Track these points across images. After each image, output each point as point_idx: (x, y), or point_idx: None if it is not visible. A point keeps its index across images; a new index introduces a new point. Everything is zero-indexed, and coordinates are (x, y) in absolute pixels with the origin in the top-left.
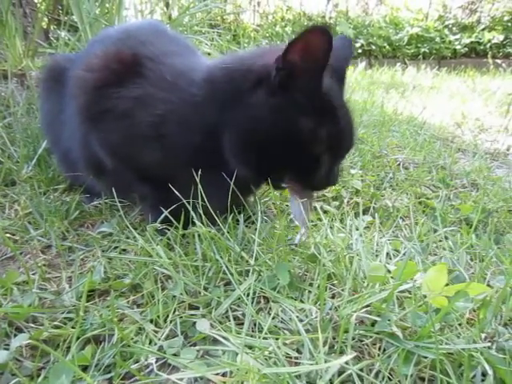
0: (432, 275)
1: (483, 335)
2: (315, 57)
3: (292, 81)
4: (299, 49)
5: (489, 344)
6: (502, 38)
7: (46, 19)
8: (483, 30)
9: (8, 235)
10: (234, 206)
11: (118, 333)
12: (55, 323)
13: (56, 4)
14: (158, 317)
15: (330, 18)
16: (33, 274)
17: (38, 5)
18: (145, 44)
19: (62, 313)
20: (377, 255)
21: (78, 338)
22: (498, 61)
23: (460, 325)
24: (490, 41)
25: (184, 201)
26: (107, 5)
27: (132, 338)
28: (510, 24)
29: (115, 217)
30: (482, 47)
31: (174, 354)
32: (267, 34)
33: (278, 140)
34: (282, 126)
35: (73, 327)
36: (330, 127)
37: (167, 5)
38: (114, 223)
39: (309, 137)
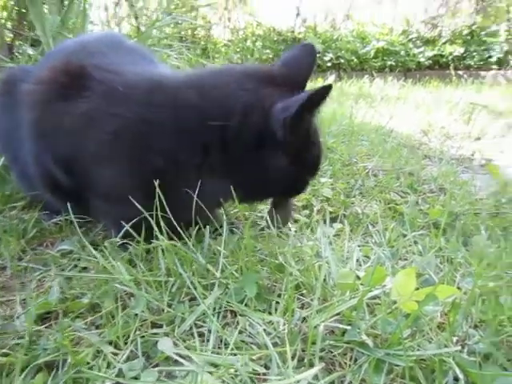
0: (401, 280)
1: (454, 339)
2: (314, 110)
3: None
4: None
5: (459, 347)
6: (462, 50)
7: (11, 35)
8: (445, 43)
9: None
10: (201, 219)
11: (71, 358)
12: (4, 350)
13: (21, 20)
14: (118, 338)
15: (299, 33)
16: None
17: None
18: (97, 55)
19: (13, 338)
20: (347, 262)
21: (27, 366)
22: (460, 72)
23: (431, 329)
24: (451, 53)
25: (146, 214)
26: (72, 19)
27: (88, 363)
28: (469, 38)
29: (76, 234)
30: (444, 59)
31: (135, 378)
32: (238, 49)
33: (275, 186)
34: (280, 177)
35: (25, 354)
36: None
37: (136, 18)
38: (75, 241)
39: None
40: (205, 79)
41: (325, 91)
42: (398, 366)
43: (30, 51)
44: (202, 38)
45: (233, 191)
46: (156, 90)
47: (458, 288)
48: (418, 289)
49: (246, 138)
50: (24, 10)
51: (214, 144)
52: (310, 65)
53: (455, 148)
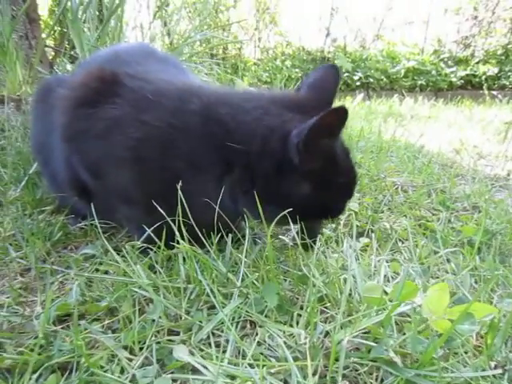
0: (433, 296)
1: (492, 363)
2: (331, 134)
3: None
4: (318, 132)
5: (499, 371)
6: (496, 70)
7: (53, 53)
8: (478, 63)
9: None
10: (223, 228)
11: (85, 360)
12: (21, 349)
13: (63, 38)
14: (134, 343)
15: (329, 52)
16: (7, 298)
17: (44, 38)
18: (130, 63)
19: (30, 338)
20: (374, 277)
21: (41, 366)
22: (494, 92)
23: (466, 352)
24: (485, 73)
25: (168, 219)
26: (109, 37)
27: (102, 367)
28: (503, 57)
29: (100, 239)
30: (477, 79)
31: None
32: (267, 68)
33: (298, 212)
34: (303, 203)
35: (39, 354)
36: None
37: (168, 33)
38: (99, 245)
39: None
40: (235, 100)
41: (337, 113)
42: None
43: (69, 67)
44: (233, 57)
45: (259, 208)
46: (186, 101)
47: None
48: (451, 307)
49: (266, 163)
50: (65, 30)
51: (237, 164)
52: (333, 86)
53: (489, 167)
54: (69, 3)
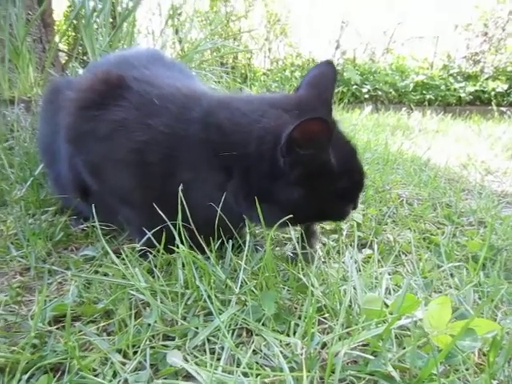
0: (434, 310)
1: (494, 382)
2: (314, 144)
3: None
4: (296, 140)
5: None
6: (506, 86)
7: (65, 56)
8: (487, 79)
9: None
10: (224, 234)
11: (77, 362)
12: (14, 348)
13: (76, 43)
14: (128, 347)
15: (338, 64)
16: (5, 296)
17: (57, 42)
18: (138, 67)
19: (24, 337)
20: (375, 289)
21: (33, 366)
22: (503, 109)
23: (467, 369)
24: (494, 89)
25: (169, 223)
26: (120, 42)
27: (95, 370)
28: None
29: (101, 241)
30: (486, 95)
31: None
32: (276, 78)
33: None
34: (296, 208)
35: (32, 354)
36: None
37: (180, 40)
38: (99, 247)
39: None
40: (235, 103)
41: (315, 123)
42: None
43: (80, 71)
44: (243, 66)
45: (260, 213)
46: (189, 108)
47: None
48: (453, 322)
49: (261, 165)
50: (79, 35)
51: (235, 168)
52: (331, 83)
53: (496, 183)
54: (83, 9)
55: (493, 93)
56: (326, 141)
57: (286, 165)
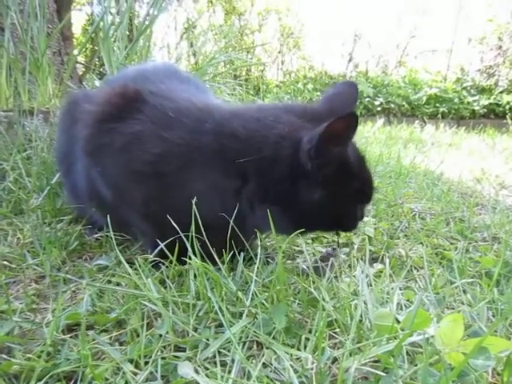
0: (446, 327)
1: None
2: (342, 141)
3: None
4: (329, 138)
5: None
6: None
7: (83, 68)
8: (501, 92)
9: (5, 262)
10: (236, 246)
11: (90, 371)
12: (29, 355)
13: (93, 56)
14: (140, 357)
15: (351, 77)
16: (20, 303)
17: (76, 54)
18: (154, 81)
19: (38, 345)
20: (386, 304)
21: (48, 374)
22: None
23: None
24: (508, 103)
25: (181, 234)
26: (137, 54)
27: (107, 379)
28: None
29: (114, 250)
30: (501, 109)
31: None
32: (289, 91)
33: (313, 220)
34: (316, 210)
35: (47, 361)
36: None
37: (194, 54)
38: (113, 256)
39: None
40: (248, 112)
41: (346, 120)
42: None
43: (97, 83)
44: (256, 79)
45: (271, 220)
46: (203, 121)
47: None
48: (465, 340)
49: (278, 169)
50: (96, 48)
51: (251, 173)
52: (351, 100)
53: (511, 198)
54: (101, 23)
55: (507, 106)
56: (352, 136)
57: (313, 166)
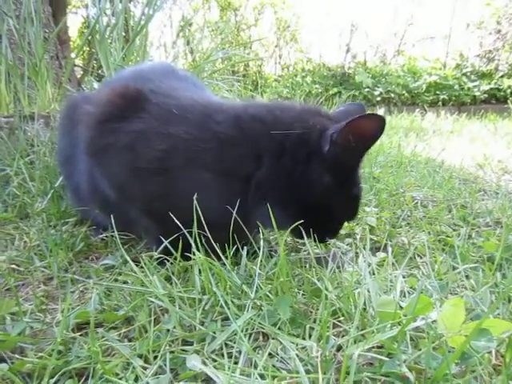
0: (448, 311)
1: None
2: (363, 138)
3: (342, 157)
4: (354, 129)
5: None
6: None
7: (81, 71)
8: (502, 76)
9: (13, 266)
10: (239, 240)
11: (101, 367)
12: (41, 354)
13: (91, 58)
14: (148, 352)
15: (349, 68)
16: (30, 305)
17: (74, 58)
18: (153, 81)
19: (49, 344)
20: (389, 292)
21: (59, 371)
22: None
23: (483, 369)
24: (510, 87)
25: (185, 231)
26: (133, 55)
27: (118, 374)
28: None
29: (120, 250)
30: (501, 93)
31: None
32: (288, 84)
33: (325, 211)
34: (334, 202)
35: (58, 359)
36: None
37: (191, 51)
38: (118, 256)
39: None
40: (272, 104)
41: (373, 118)
42: None
43: (96, 85)
44: (254, 74)
45: (271, 215)
46: (211, 114)
47: None
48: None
49: (297, 152)
50: (93, 50)
51: (268, 155)
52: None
53: None
54: (97, 25)
55: (509, 90)
56: (375, 135)
57: (330, 150)
